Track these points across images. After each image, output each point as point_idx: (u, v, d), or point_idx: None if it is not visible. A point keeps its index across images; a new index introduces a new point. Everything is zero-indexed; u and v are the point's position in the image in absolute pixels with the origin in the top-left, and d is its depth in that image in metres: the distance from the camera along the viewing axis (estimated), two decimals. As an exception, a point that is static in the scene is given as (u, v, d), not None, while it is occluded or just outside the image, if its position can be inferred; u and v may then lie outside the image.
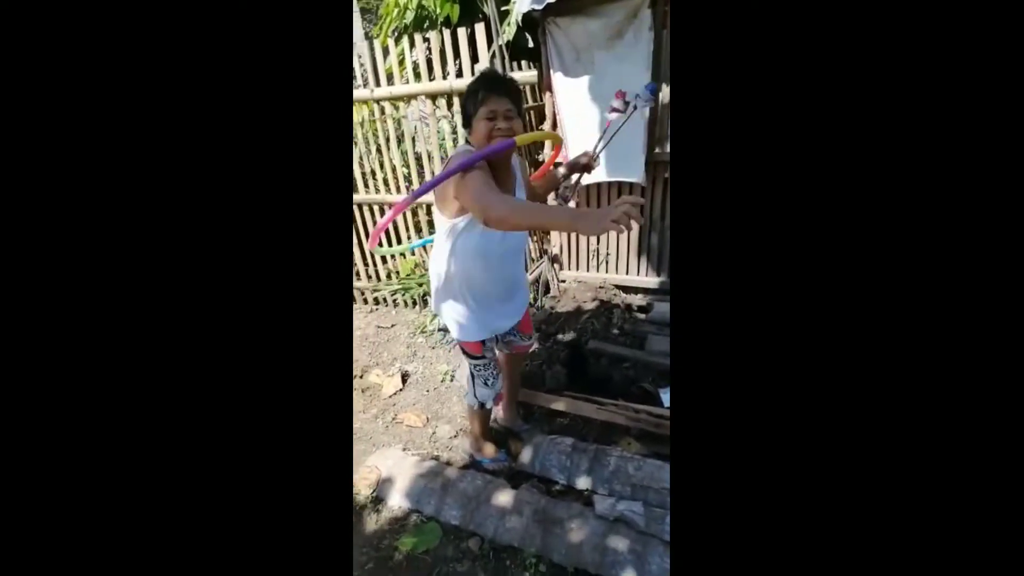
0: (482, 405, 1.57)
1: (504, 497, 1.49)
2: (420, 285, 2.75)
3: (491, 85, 1.13)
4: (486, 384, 1.52)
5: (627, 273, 2.63)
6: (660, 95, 1.30)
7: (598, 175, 2.41)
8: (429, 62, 2.36)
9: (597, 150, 1.41)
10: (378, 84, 2.46)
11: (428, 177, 2.72)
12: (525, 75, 2.42)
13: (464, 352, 1.49)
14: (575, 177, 1.46)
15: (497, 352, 1.63)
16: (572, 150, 2.41)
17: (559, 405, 1.87)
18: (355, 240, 2.91)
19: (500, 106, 1.12)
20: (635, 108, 1.37)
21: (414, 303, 2.90)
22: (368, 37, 2.89)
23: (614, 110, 1.38)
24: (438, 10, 3.30)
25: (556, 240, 2.69)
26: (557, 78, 2.29)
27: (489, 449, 1.72)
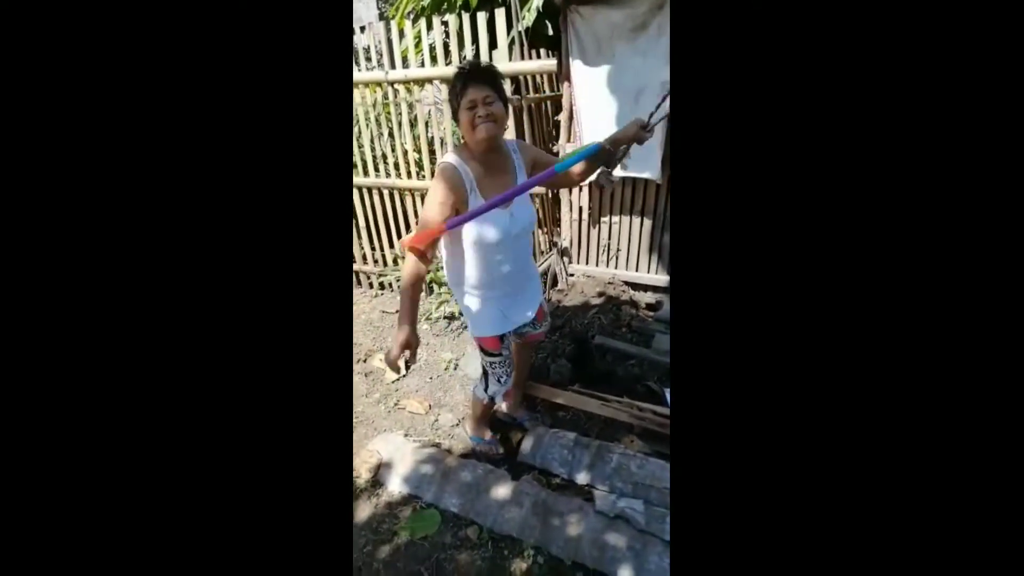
0: (492, 400, 1.57)
1: (504, 488, 1.49)
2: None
3: (468, 76, 1.17)
4: (499, 381, 1.51)
5: (637, 270, 2.61)
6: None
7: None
8: (446, 46, 2.32)
9: (652, 120, 1.24)
10: (393, 66, 2.43)
11: (440, 163, 2.69)
12: (544, 63, 2.38)
13: (481, 348, 1.47)
14: (622, 149, 1.28)
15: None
16: (586, 142, 2.37)
17: (563, 399, 1.87)
18: (364, 224, 2.90)
19: (479, 94, 1.15)
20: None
21: (420, 289, 2.89)
22: (383, 17, 2.85)
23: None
24: (457, -7, 3.24)
25: (566, 233, 2.67)
26: (576, 67, 2.25)
27: (485, 433, 1.74)
